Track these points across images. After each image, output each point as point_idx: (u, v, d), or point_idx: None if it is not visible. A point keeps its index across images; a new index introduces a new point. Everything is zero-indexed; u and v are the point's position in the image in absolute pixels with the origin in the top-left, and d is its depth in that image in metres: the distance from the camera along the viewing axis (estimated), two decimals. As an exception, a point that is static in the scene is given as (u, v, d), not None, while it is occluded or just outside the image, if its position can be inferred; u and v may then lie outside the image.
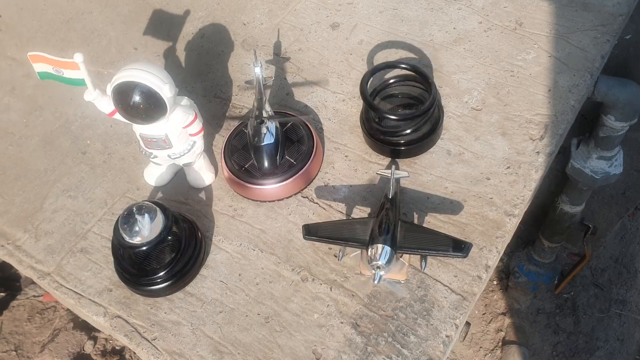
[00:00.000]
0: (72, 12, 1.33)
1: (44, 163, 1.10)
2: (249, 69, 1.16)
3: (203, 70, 1.17)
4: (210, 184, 1.01)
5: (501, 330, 2.14)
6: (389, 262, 0.78)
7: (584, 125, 1.40)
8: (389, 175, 0.88)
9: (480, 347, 2.16)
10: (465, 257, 0.80)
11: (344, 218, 0.94)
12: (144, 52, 1.23)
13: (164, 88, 0.84)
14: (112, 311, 0.91)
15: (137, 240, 0.83)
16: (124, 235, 0.83)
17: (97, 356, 0.97)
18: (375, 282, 0.78)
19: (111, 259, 0.94)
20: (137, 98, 0.84)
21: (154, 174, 1.01)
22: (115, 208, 1.01)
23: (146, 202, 0.85)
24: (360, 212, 0.94)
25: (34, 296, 1.17)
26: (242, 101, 1.12)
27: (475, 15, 1.15)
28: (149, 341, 0.87)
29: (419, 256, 0.86)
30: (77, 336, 1.00)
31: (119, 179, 1.05)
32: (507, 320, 2.14)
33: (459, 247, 0.80)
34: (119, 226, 0.83)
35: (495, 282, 2.22)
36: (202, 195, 1.01)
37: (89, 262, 0.96)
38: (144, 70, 0.84)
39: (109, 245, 0.96)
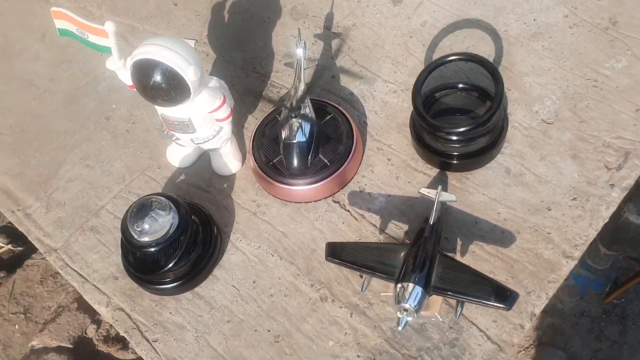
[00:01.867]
0: (113, -46, 1.22)
1: (65, 124, 1.02)
2: (294, 42, 1.03)
3: (244, 39, 1.06)
4: (236, 173, 0.92)
5: (539, 329, 2.03)
6: (418, 306, 0.68)
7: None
8: (434, 197, 0.76)
9: (512, 344, 2.07)
10: (508, 309, 0.69)
11: (375, 236, 0.83)
12: (183, 10, 1.11)
13: (188, 70, 0.74)
14: (115, 302, 0.84)
15: (145, 239, 0.75)
16: (132, 233, 0.75)
17: (99, 342, 0.92)
18: (400, 328, 0.68)
19: (121, 243, 0.87)
20: (157, 78, 0.74)
21: (177, 155, 0.93)
22: (132, 186, 0.93)
23: (158, 198, 0.77)
24: (396, 228, 0.83)
25: (49, 256, 1.13)
26: (283, 80, 1.00)
27: (562, 6, 0.99)
28: (149, 342, 0.81)
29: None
30: (79, 318, 0.96)
31: (140, 153, 0.97)
32: (548, 320, 2.02)
33: (503, 297, 0.69)
34: (127, 222, 0.75)
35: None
36: (226, 184, 0.92)
37: (98, 243, 0.89)
38: (168, 47, 0.73)
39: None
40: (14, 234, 1.20)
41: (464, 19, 1.01)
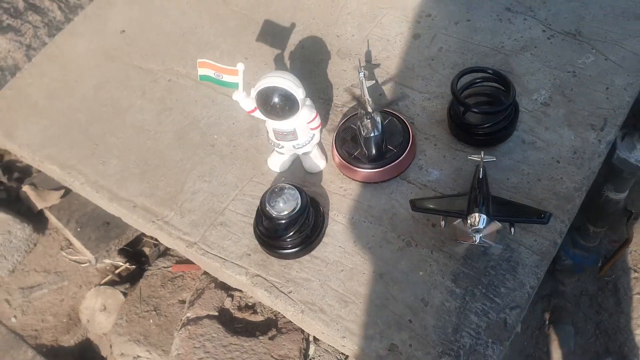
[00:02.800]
0: (186, 27, 1.56)
1: (179, 154, 1.32)
2: (345, 74, 1.37)
3: (306, 76, 1.39)
4: (322, 169, 1.23)
5: (547, 311, 2.32)
6: (486, 227, 0.98)
7: (629, 120, 1.58)
8: (479, 159, 1.08)
9: (528, 326, 2.34)
10: (546, 223, 0.99)
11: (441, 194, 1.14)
12: (254, 61, 1.45)
13: (298, 91, 1.06)
14: (252, 271, 1.13)
15: (280, 213, 1.05)
16: (269, 209, 1.05)
17: (234, 310, 1.18)
18: (477, 241, 0.98)
19: (248, 230, 1.16)
20: (276, 99, 1.06)
21: (278, 162, 1.23)
22: (245, 190, 1.23)
23: (288, 184, 1.07)
24: (451, 190, 1.14)
25: (164, 267, 1.40)
26: (342, 101, 1.33)
27: (539, 25, 1.35)
28: (285, 294, 1.09)
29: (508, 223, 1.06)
30: (218, 294, 1.22)
31: (245, 166, 1.27)
32: (554, 301, 2.32)
33: (541, 216, 0.99)
34: (265, 201, 1.05)
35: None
36: (316, 178, 1.22)
37: (228, 233, 1.18)
38: (282, 77, 1.05)
39: (245, 219, 1.18)
40: (128, 255, 1.47)
41: (469, 42, 1.36)
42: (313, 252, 1.12)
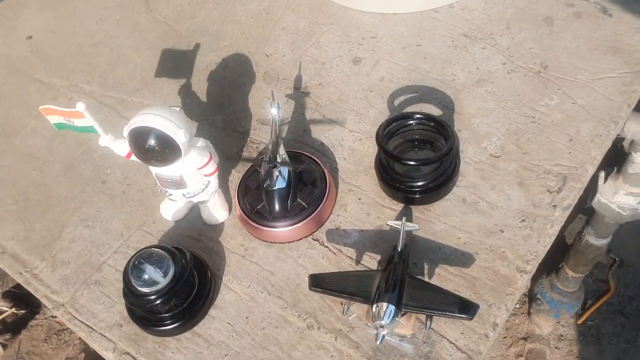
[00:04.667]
0: (100, 36, 1.36)
1: (65, 190, 1.12)
2: (268, 103, 1.15)
3: (224, 102, 1.18)
4: (224, 221, 1.02)
5: (521, 356, 2.11)
6: (392, 321, 0.77)
7: (610, 159, 1.36)
8: (399, 227, 0.87)
9: (500, 372, 2.14)
10: (471, 319, 0.79)
11: (352, 267, 0.93)
12: (167, 81, 1.24)
13: (179, 133, 0.85)
14: (121, 347, 0.92)
15: (146, 289, 0.84)
16: (134, 284, 0.85)
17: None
18: (378, 342, 0.78)
19: (123, 293, 0.96)
20: (152, 142, 0.85)
21: (170, 209, 1.03)
22: (131, 240, 1.03)
23: (156, 250, 0.86)
24: (370, 259, 0.94)
25: (52, 316, 1.21)
26: (260, 136, 1.12)
27: (500, 55, 1.13)
28: (155, 380, 0.89)
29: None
30: (88, 367, 1.03)
31: (136, 211, 1.07)
32: (528, 346, 2.11)
33: (466, 308, 0.79)
34: (128, 274, 0.85)
35: (518, 306, 2.19)
36: (216, 232, 1.02)
37: (102, 295, 0.98)
38: (160, 115, 0.85)
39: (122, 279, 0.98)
40: (16, 299, 1.27)
41: (416, 72, 1.14)
42: (196, 328, 0.92)
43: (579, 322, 1.98)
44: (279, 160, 0.94)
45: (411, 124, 0.99)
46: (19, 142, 1.22)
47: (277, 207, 0.94)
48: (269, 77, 1.20)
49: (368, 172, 1.03)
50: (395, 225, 0.89)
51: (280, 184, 0.94)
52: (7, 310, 1.25)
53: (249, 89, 1.20)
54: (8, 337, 1.22)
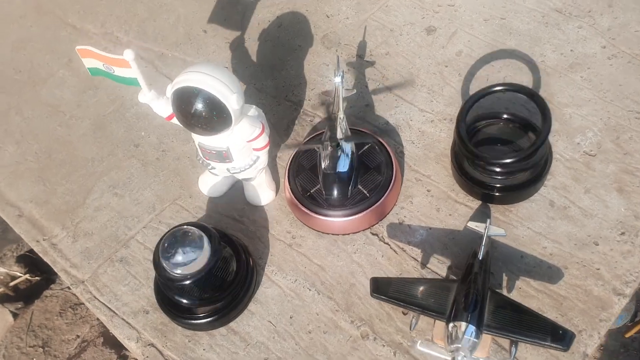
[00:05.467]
0: (141, -19, 1.22)
1: (93, 151, 1.00)
2: (327, 70, 1.02)
3: (276, 66, 1.04)
4: (269, 203, 0.89)
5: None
6: (472, 346, 0.65)
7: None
8: (482, 230, 0.74)
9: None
10: (566, 350, 0.66)
11: (417, 270, 0.80)
12: (213, 37, 1.10)
13: (231, 98, 0.72)
14: (146, 337, 0.81)
15: (178, 272, 0.72)
16: (165, 266, 0.73)
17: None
18: (454, 367, 0.65)
19: (152, 274, 0.84)
20: (199, 106, 0.72)
21: (210, 183, 0.90)
22: (163, 215, 0.91)
23: (192, 228, 0.74)
24: (439, 262, 0.81)
25: (68, 288, 1.10)
26: (316, 109, 0.98)
27: (599, 37, 0.97)
28: (182, 380, 0.78)
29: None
30: (105, 354, 0.92)
31: (171, 181, 0.94)
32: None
33: (560, 337, 0.66)
34: (159, 254, 0.73)
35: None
36: (259, 214, 0.89)
37: (127, 275, 0.86)
38: (211, 75, 0.72)
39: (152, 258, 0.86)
40: (31, 263, 1.17)
41: (500, 49, 0.99)
42: (232, 324, 0.80)
43: (626, 335, 1.85)
44: (341, 138, 0.81)
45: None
46: (44, 92, 1.10)
47: (335, 192, 0.81)
48: (328, 41, 1.06)
49: (440, 160, 0.89)
50: (476, 228, 0.75)
51: (342, 166, 0.80)
52: (20, 276, 1.15)
53: (305, 53, 1.05)
54: (20, 305, 1.12)
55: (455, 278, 0.76)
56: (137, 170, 0.97)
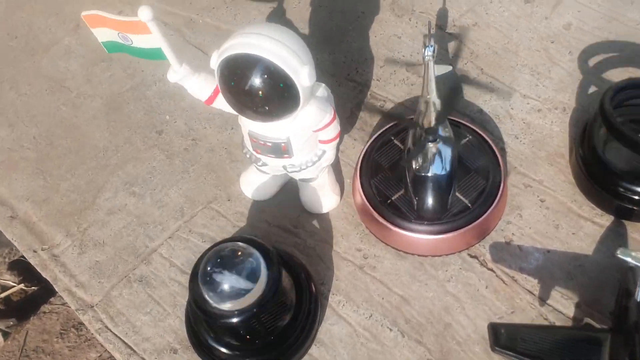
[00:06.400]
0: None
1: (105, 138, 0.80)
2: (399, 44, 0.82)
3: (335, 38, 0.84)
4: (331, 210, 0.70)
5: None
6: None
7: None
8: (639, 264, 0.53)
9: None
10: None
11: (533, 306, 0.60)
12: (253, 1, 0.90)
13: (302, 72, 0.52)
14: (173, 386, 0.62)
15: (227, 305, 0.53)
16: (206, 297, 0.53)
17: None
18: None
19: (181, 299, 0.65)
20: (257, 81, 0.52)
21: (255, 183, 0.70)
22: (194, 223, 0.71)
23: (243, 245, 0.54)
24: (563, 298, 0.61)
25: (74, 302, 0.90)
26: (387, 91, 0.78)
27: None
28: None
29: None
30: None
31: (204, 179, 0.74)
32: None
33: None
34: (198, 280, 0.53)
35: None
36: (320, 224, 0.69)
37: (149, 300, 0.67)
38: (276, 39, 0.52)
39: (182, 279, 0.67)
40: (27, 270, 0.97)
41: (619, 22, 0.79)
42: (287, 373, 0.61)
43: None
44: (440, 132, 0.60)
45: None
46: (46, 63, 0.89)
47: (431, 201, 0.61)
48: (399, 8, 0.85)
49: (554, 161, 0.69)
50: (632, 261, 0.55)
51: (438, 167, 0.60)
52: (13, 286, 0.95)
53: (370, 21, 0.85)
54: (12, 323, 0.92)
55: (601, 327, 0.56)
56: (160, 163, 0.77)
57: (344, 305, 0.64)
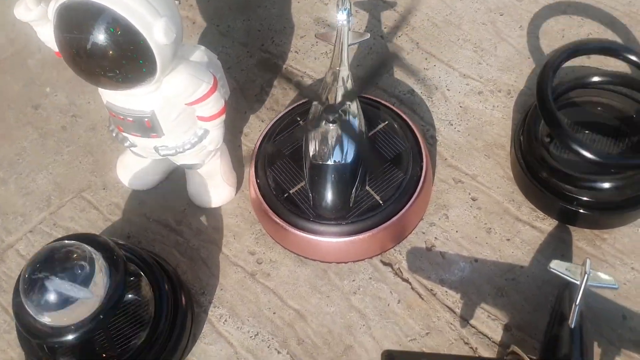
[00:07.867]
0: None
1: (-28, 111, 0.68)
2: (324, 10, 0.70)
3: (250, 2, 0.72)
4: (223, 204, 0.58)
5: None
6: None
7: None
8: (578, 279, 0.42)
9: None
10: None
11: (453, 328, 0.49)
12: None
13: (156, 26, 0.41)
14: (7, 416, 0.50)
15: (47, 320, 0.41)
16: (29, 309, 0.41)
17: None
18: None
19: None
20: (100, 37, 0.41)
21: (133, 169, 0.59)
22: (61, 215, 0.59)
23: (80, 245, 0.43)
24: (489, 318, 0.50)
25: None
26: (306, 65, 0.67)
27: None
28: None
29: None
30: None
31: (79, 162, 0.63)
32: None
33: None
34: (20, 291, 0.41)
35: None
36: (208, 222, 0.58)
37: (-6, 308, 0.55)
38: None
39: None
40: None
41: (579, -7, 0.68)
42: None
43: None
44: (343, 109, 0.49)
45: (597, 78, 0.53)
46: None
47: (329, 196, 0.50)
48: (329, -28, 0.74)
49: (492, 153, 0.58)
50: (566, 274, 0.43)
51: (338, 155, 0.49)
52: None
53: (295, -15, 0.73)
54: None
55: (523, 357, 0.44)
56: (31, 143, 0.65)
57: (225, 320, 0.52)
